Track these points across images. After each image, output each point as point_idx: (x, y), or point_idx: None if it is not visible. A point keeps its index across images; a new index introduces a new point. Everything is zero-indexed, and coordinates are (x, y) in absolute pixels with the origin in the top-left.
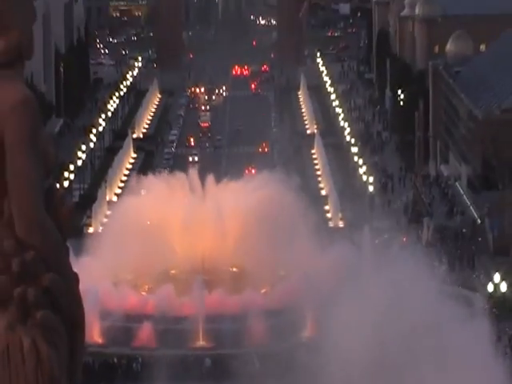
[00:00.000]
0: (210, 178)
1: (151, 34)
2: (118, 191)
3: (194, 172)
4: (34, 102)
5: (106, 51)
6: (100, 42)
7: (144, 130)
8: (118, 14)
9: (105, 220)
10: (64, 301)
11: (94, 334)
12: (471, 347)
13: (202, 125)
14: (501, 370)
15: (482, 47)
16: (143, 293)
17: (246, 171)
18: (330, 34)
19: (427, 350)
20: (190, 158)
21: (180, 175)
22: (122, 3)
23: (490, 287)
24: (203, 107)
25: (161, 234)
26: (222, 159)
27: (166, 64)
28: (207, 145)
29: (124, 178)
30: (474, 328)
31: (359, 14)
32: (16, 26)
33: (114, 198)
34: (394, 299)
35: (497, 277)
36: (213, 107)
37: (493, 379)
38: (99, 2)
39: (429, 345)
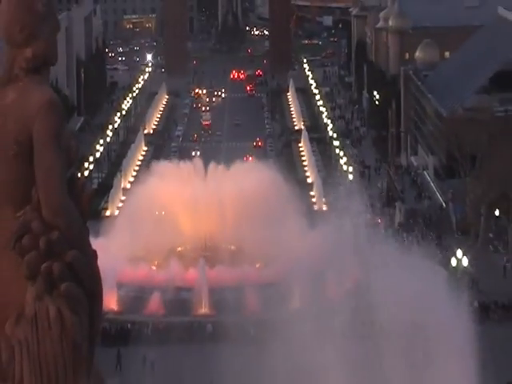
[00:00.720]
0: (212, 167)
1: (155, 44)
2: (132, 179)
3: (198, 161)
4: (59, 103)
5: (122, 58)
6: (115, 51)
7: (154, 127)
8: (131, 26)
9: (120, 204)
10: (85, 274)
11: (111, 302)
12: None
13: (204, 123)
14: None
15: (447, 54)
16: (153, 267)
17: (244, 159)
18: (307, 42)
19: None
20: (193, 153)
21: (186, 164)
22: (134, 16)
23: (454, 262)
24: (204, 108)
25: (169, 217)
26: (221, 152)
27: (172, 69)
28: (209, 139)
29: (137, 168)
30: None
31: (340, 26)
32: (42, 36)
33: (128, 186)
34: (370, 271)
35: (459, 253)
36: (213, 107)
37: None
38: (115, 15)
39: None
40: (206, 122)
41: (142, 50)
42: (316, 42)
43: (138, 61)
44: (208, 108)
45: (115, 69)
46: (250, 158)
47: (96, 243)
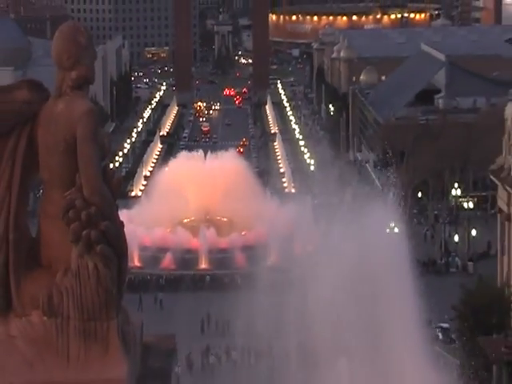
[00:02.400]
0: (210, 159)
1: (170, 69)
2: (150, 169)
3: (201, 155)
4: (96, 112)
5: (144, 80)
6: (138, 73)
7: (167, 130)
8: (150, 55)
9: (142, 187)
10: (115, 239)
11: (135, 260)
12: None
13: (204, 129)
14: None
15: (383, 77)
16: (166, 234)
17: (237, 150)
18: (280, 68)
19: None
20: (195, 151)
21: (192, 155)
22: (153, 48)
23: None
24: (202, 118)
25: (178, 195)
26: (217, 149)
27: (181, 87)
28: (207, 140)
29: (154, 161)
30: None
31: (305, 56)
32: (84, 62)
33: (148, 173)
34: (329, 234)
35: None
36: (210, 116)
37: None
38: (138, 47)
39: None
40: (205, 128)
41: (158, 73)
42: (290, 68)
43: (156, 81)
44: (205, 118)
45: (138, 87)
46: (241, 150)
47: (124, 216)
